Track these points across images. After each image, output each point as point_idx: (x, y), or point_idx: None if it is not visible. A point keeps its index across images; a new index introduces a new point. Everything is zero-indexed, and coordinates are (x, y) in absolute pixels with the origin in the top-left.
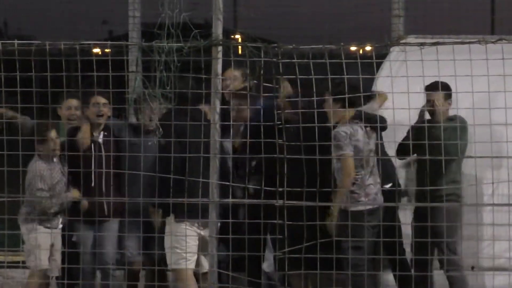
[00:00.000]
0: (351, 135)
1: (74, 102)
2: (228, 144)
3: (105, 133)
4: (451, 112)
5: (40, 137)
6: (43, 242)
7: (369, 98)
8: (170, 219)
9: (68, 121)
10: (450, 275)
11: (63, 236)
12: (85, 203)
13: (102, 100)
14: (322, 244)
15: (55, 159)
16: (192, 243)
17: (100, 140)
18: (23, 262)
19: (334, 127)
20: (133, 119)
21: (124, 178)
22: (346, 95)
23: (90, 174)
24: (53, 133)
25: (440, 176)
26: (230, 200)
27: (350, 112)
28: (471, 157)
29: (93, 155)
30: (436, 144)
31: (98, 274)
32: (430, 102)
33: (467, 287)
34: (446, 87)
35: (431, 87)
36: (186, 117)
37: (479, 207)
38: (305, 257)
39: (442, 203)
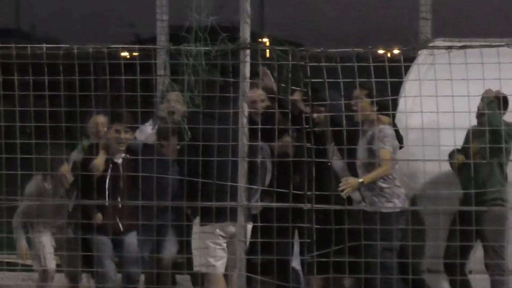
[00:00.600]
0: (392, 136)
1: (101, 119)
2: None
3: (126, 155)
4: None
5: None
6: (47, 244)
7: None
8: (196, 222)
9: (97, 137)
10: (495, 279)
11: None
12: (99, 216)
13: (123, 127)
14: (349, 247)
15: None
16: (219, 247)
17: (120, 161)
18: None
19: (364, 130)
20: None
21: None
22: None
23: (104, 192)
24: (64, 168)
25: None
26: (258, 204)
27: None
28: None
29: (108, 175)
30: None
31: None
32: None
33: None
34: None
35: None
36: (214, 120)
37: None
38: (331, 260)
39: (482, 207)
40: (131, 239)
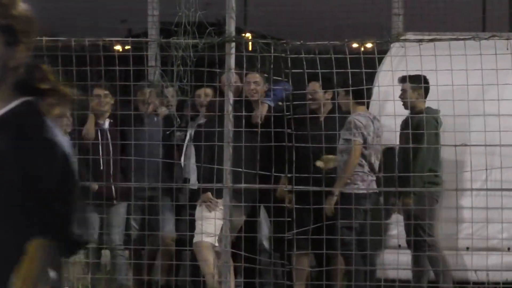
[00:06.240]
0: (365, 126)
1: (100, 91)
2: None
3: (111, 121)
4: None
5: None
6: None
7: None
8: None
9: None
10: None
11: None
12: (94, 186)
13: (102, 91)
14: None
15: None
16: (217, 222)
17: (106, 127)
18: None
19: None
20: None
21: (131, 162)
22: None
23: (98, 160)
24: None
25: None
26: (242, 185)
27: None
28: (465, 145)
29: (100, 142)
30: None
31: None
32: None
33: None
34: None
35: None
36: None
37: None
38: (302, 238)
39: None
40: (122, 208)
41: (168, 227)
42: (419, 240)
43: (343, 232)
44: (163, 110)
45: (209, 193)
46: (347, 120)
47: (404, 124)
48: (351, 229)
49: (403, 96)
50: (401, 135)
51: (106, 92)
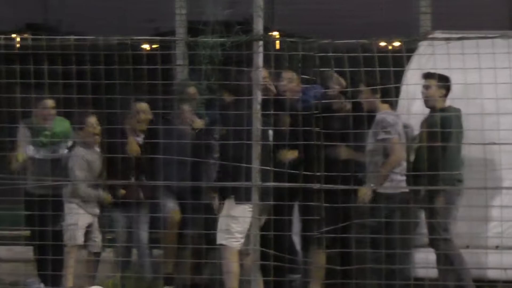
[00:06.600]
0: (395, 124)
1: (143, 106)
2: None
3: (144, 136)
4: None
5: (79, 125)
6: (80, 222)
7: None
8: (231, 201)
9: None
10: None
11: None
12: (122, 191)
13: (143, 106)
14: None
15: (96, 147)
16: (246, 225)
17: (141, 141)
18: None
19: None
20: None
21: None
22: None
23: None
24: (92, 119)
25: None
26: (271, 183)
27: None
28: (494, 143)
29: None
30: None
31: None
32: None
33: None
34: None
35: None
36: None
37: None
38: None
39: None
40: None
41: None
42: (442, 238)
43: (360, 231)
44: (198, 121)
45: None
46: (376, 119)
47: (426, 123)
48: (379, 228)
49: (425, 92)
50: (421, 133)
51: (147, 108)
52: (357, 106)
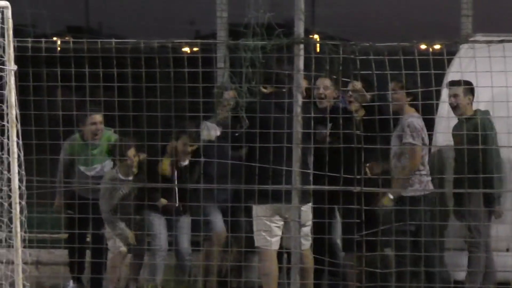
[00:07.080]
0: (422, 128)
1: (97, 118)
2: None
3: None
4: None
5: (121, 157)
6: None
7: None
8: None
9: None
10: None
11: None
12: (164, 201)
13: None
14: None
15: (130, 177)
16: (274, 224)
17: (186, 163)
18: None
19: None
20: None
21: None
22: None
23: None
24: (131, 152)
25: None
26: (311, 187)
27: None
28: None
29: (176, 179)
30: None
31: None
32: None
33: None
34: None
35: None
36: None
37: None
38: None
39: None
40: (186, 218)
41: (219, 224)
42: (475, 241)
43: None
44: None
45: None
46: (403, 122)
47: (459, 128)
48: (405, 232)
49: (454, 101)
50: (455, 136)
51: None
52: (384, 109)
